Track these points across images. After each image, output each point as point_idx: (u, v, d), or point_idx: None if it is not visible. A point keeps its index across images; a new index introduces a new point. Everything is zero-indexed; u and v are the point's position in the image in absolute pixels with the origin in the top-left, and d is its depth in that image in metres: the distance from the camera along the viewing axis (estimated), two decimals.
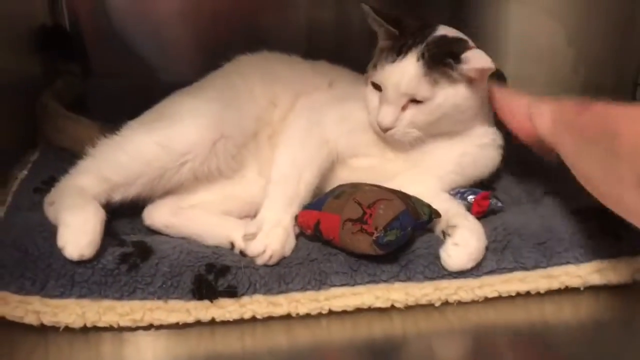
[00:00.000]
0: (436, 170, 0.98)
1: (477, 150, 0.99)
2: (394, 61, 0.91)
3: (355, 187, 0.90)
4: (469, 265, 0.85)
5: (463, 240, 0.85)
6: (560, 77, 1.58)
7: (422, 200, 0.90)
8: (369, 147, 1.00)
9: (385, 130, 0.93)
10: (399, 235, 0.82)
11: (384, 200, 0.85)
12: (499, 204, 0.98)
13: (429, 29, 0.93)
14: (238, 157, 0.99)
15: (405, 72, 0.90)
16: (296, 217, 0.90)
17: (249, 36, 1.42)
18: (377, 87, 0.94)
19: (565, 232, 0.90)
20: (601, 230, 0.91)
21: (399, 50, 0.91)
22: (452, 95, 0.90)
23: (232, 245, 0.88)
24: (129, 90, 1.18)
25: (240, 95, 1.01)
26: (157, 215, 0.93)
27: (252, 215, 0.95)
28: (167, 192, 0.95)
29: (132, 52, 1.39)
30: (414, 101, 0.91)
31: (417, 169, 0.99)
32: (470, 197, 0.96)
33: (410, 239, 0.88)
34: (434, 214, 0.89)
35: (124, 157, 0.91)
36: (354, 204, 0.85)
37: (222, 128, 0.95)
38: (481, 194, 0.96)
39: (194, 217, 0.92)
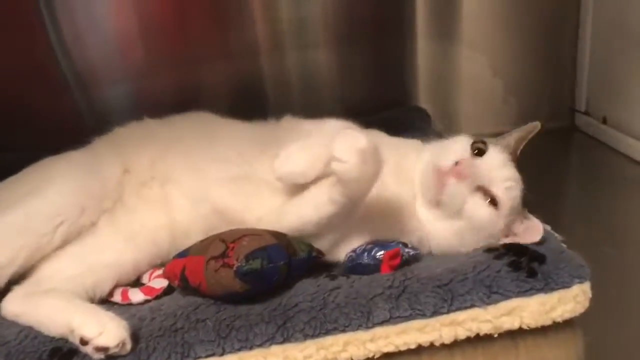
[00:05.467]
0: None
1: None
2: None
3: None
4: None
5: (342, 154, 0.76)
6: (491, 109, 1.52)
7: (302, 240, 0.83)
8: None
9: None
10: (265, 265, 0.74)
11: (250, 235, 0.78)
12: (412, 252, 0.85)
13: None
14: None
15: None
16: (164, 269, 0.83)
17: None
18: None
19: (471, 271, 0.79)
20: (514, 266, 0.80)
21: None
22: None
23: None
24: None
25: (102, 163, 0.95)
26: (9, 304, 0.81)
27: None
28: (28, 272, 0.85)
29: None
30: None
31: None
32: (380, 254, 0.83)
33: (293, 292, 0.79)
34: (315, 252, 0.82)
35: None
36: (218, 242, 0.78)
37: (87, 192, 0.90)
38: (389, 252, 0.82)
39: (39, 303, 0.79)
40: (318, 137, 0.85)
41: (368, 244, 0.86)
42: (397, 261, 0.82)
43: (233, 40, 1.41)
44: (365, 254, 0.84)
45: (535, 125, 0.92)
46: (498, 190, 0.84)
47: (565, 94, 1.55)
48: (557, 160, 1.44)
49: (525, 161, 1.45)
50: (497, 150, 0.87)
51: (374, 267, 0.82)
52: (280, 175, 0.83)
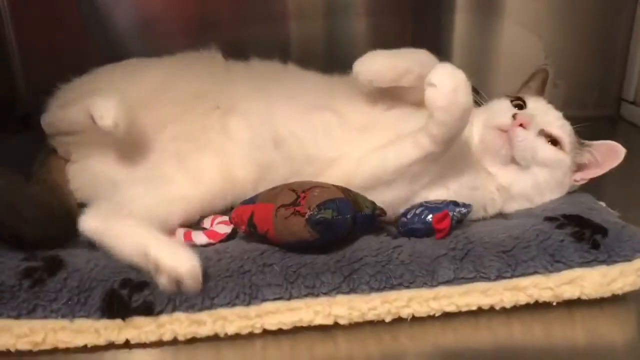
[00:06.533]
0: None
1: None
2: None
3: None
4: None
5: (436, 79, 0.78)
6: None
7: (365, 197, 0.84)
8: None
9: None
10: (335, 216, 0.76)
11: (320, 187, 0.80)
12: (463, 210, 0.83)
13: None
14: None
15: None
16: (230, 215, 0.84)
17: None
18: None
19: (534, 239, 0.80)
20: (577, 237, 0.81)
21: None
22: None
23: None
24: None
25: None
26: (89, 221, 0.82)
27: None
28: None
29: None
30: None
31: None
32: (429, 217, 0.82)
33: (357, 247, 0.79)
34: (379, 210, 0.83)
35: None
36: (288, 192, 0.80)
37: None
38: (437, 215, 0.82)
39: (118, 224, 0.80)
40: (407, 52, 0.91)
41: (419, 206, 0.85)
42: (445, 223, 0.82)
43: (259, 6, 1.40)
44: (416, 218, 0.84)
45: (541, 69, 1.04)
46: (556, 130, 0.90)
47: (614, 82, 1.54)
48: None
49: None
50: (534, 99, 0.95)
51: (426, 231, 0.82)
52: (357, 71, 0.87)
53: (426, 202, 0.86)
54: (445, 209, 0.83)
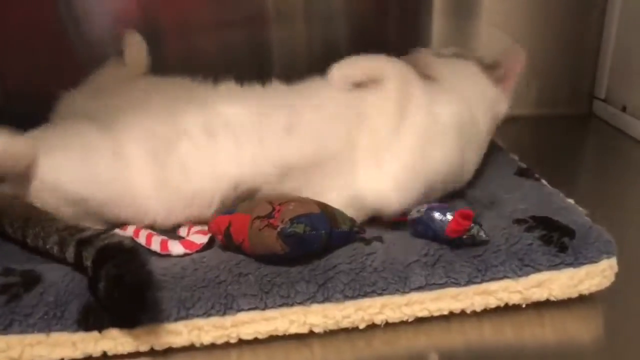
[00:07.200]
0: None
1: None
2: None
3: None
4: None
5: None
6: (514, 91, 1.53)
7: (345, 214, 0.84)
8: None
9: None
10: (307, 231, 0.76)
11: (297, 201, 0.81)
12: (482, 235, 0.81)
13: None
14: None
15: None
16: (209, 224, 0.86)
17: None
18: None
19: (503, 243, 0.82)
20: (544, 240, 0.83)
21: None
22: None
23: None
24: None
25: None
26: None
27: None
28: None
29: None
30: None
31: None
32: (449, 215, 0.81)
33: (332, 254, 0.81)
34: (357, 228, 0.84)
35: None
36: (265, 204, 0.81)
37: None
38: (462, 210, 0.81)
39: None
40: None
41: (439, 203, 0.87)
42: (467, 223, 0.80)
43: (239, 7, 1.39)
44: (436, 206, 0.83)
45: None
46: None
47: (585, 80, 1.56)
48: (575, 146, 1.46)
49: (541, 146, 1.49)
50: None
51: (440, 224, 0.81)
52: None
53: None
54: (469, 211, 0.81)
